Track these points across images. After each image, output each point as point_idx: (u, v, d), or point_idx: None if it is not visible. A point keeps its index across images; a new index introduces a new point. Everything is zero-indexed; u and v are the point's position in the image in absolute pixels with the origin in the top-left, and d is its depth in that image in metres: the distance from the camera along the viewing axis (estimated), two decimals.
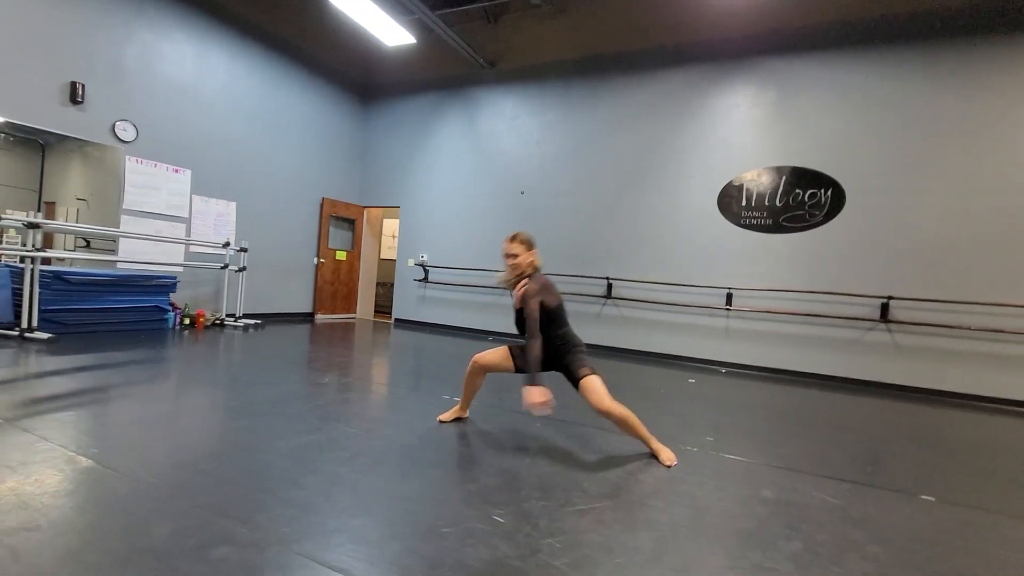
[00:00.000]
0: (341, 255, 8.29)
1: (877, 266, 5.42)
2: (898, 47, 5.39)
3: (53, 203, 5.41)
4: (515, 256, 2.57)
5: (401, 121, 8.38)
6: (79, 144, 5.17)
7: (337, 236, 8.33)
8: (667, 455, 2.42)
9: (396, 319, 8.30)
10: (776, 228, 5.87)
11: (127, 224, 5.41)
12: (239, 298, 6.34)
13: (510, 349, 2.69)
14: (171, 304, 5.50)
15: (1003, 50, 5.01)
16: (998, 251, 4.99)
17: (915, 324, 5.25)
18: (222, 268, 6.12)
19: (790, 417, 3.64)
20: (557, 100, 7.15)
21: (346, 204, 8.32)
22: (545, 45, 7.20)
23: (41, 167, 5.25)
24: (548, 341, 2.50)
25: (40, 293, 4.32)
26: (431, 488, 1.87)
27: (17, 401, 2.54)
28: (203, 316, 5.81)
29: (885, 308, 5.35)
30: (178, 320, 5.57)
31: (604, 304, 6.74)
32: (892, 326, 5.36)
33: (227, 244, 6.16)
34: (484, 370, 2.74)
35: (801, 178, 5.77)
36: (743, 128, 6.08)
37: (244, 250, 6.38)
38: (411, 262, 8.17)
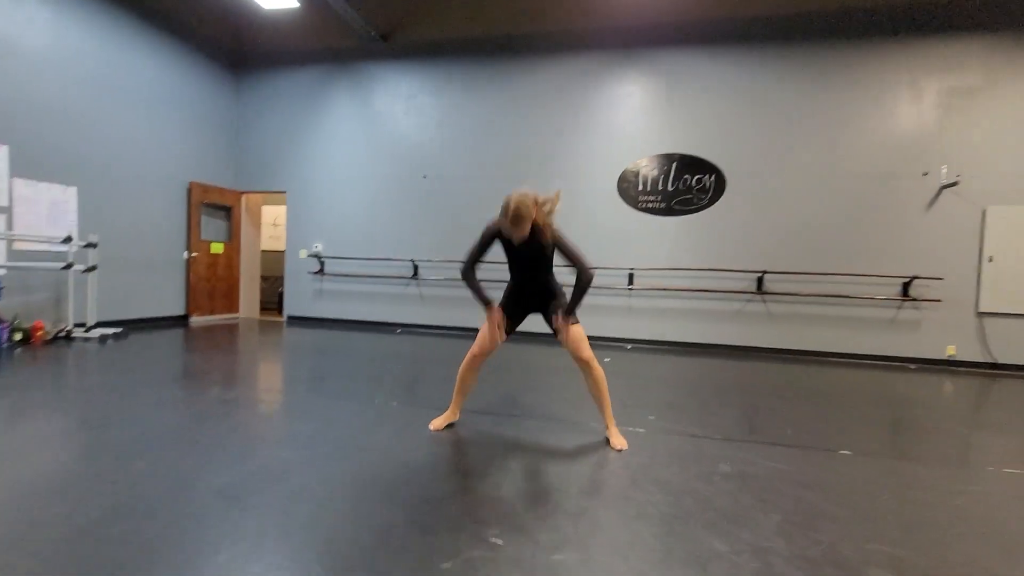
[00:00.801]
0: (217, 247, 7.29)
1: (753, 244, 6.09)
2: (771, 45, 6.01)
3: None
4: (528, 219, 2.39)
5: (281, 97, 7.52)
6: None
7: (211, 226, 7.30)
8: (618, 440, 2.49)
9: (289, 316, 7.55)
10: (669, 211, 6.31)
11: None
12: (90, 303, 5.27)
13: (492, 318, 2.52)
14: None
15: (853, 53, 5.83)
16: (844, 228, 5.87)
17: (783, 294, 6.01)
18: (64, 268, 5.02)
19: (703, 387, 3.96)
20: (459, 81, 6.91)
21: (220, 189, 7.31)
22: (443, 21, 6.88)
23: None
24: (542, 282, 2.53)
25: None
26: (406, 515, 1.69)
27: None
28: (41, 328, 4.74)
29: (760, 281, 6.05)
30: (6, 336, 4.47)
31: None
32: (766, 297, 6.08)
33: (69, 239, 5.06)
34: (482, 361, 2.57)
35: (689, 164, 6.24)
36: (637, 116, 6.40)
37: (92, 245, 5.30)
38: (304, 253, 7.46)
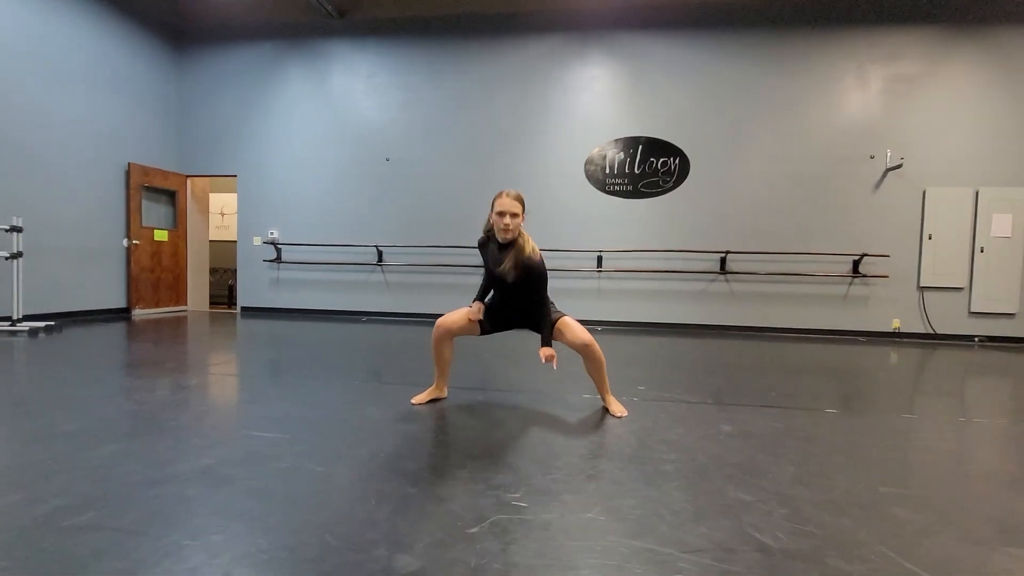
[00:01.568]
0: (161, 235, 6.78)
1: (716, 225, 6.25)
2: (730, 31, 6.16)
3: None
4: (516, 216, 2.30)
5: (230, 74, 7.06)
6: None
7: (153, 212, 6.77)
8: (618, 407, 2.46)
9: (243, 307, 7.13)
10: (636, 194, 6.38)
11: None
12: (16, 295, 4.75)
13: (471, 308, 2.49)
14: None
15: (805, 40, 6.06)
16: (799, 209, 6.13)
17: (745, 273, 6.22)
18: None
19: (681, 362, 4.02)
20: (421, 61, 6.70)
21: (163, 172, 6.78)
22: None
23: None
24: (523, 308, 2.47)
25: None
26: (418, 487, 1.58)
27: None
28: None
29: (723, 262, 6.23)
30: None
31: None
32: (729, 277, 6.27)
33: None
34: (451, 335, 2.46)
35: (654, 147, 6.33)
36: (603, 99, 6.42)
37: (17, 230, 4.78)
38: (258, 240, 7.05)
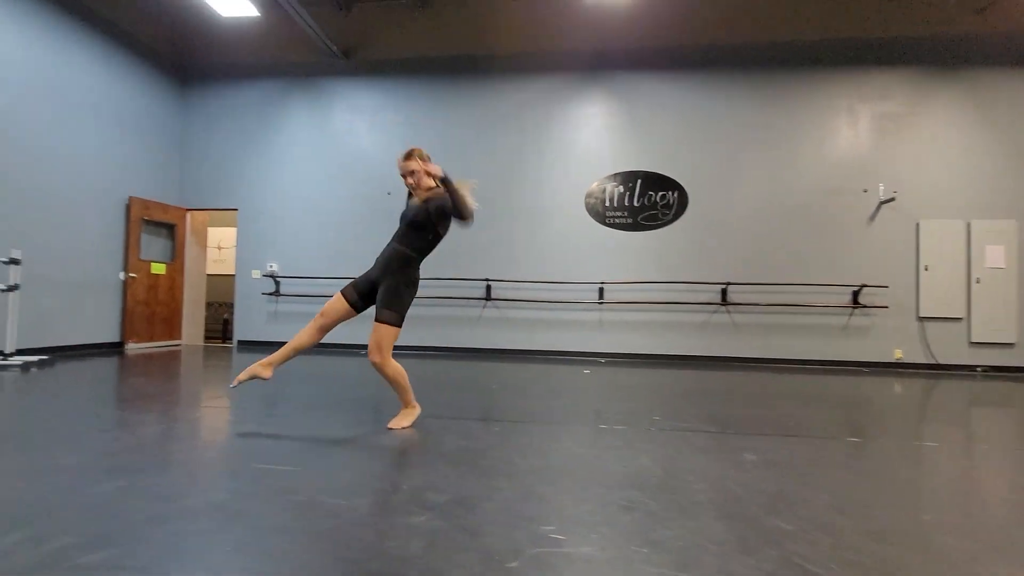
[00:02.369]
0: (158, 268, 6.72)
1: (716, 257, 6.32)
2: (725, 71, 6.40)
3: None
4: (413, 172, 2.52)
5: (232, 111, 7.18)
6: None
7: (152, 245, 6.73)
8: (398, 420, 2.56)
9: (240, 341, 7.01)
10: (636, 226, 6.46)
11: None
12: (10, 328, 4.64)
13: (341, 292, 2.58)
14: None
15: (799, 80, 6.30)
16: (798, 241, 6.22)
17: (746, 305, 6.24)
18: None
19: (688, 393, 3.97)
20: (424, 98, 6.87)
21: (163, 206, 6.79)
22: (406, 40, 6.87)
23: None
24: (391, 249, 2.53)
25: None
26: (446, 519, 1.51)
27: None
28: None
29: (724, 293, 6.26)
30: None
31: (484, 306, 6.63)
32: (731, 308, 6.29)
33: None
34: (325, 329, 2.55)
35: (653, 182, 6.45)
36: (601, 134, 6.58)
37: (15, 262, 4.71)
38: (257, 273, 7.01)
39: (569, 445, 2.36)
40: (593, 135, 6.58)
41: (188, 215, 7.18)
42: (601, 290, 6.42)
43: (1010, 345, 5.87)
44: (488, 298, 6.58)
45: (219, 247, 9.41)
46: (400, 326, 2.50)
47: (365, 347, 2.70)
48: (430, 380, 4.28)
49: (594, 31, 6.49)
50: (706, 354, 6.29)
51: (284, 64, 7.07)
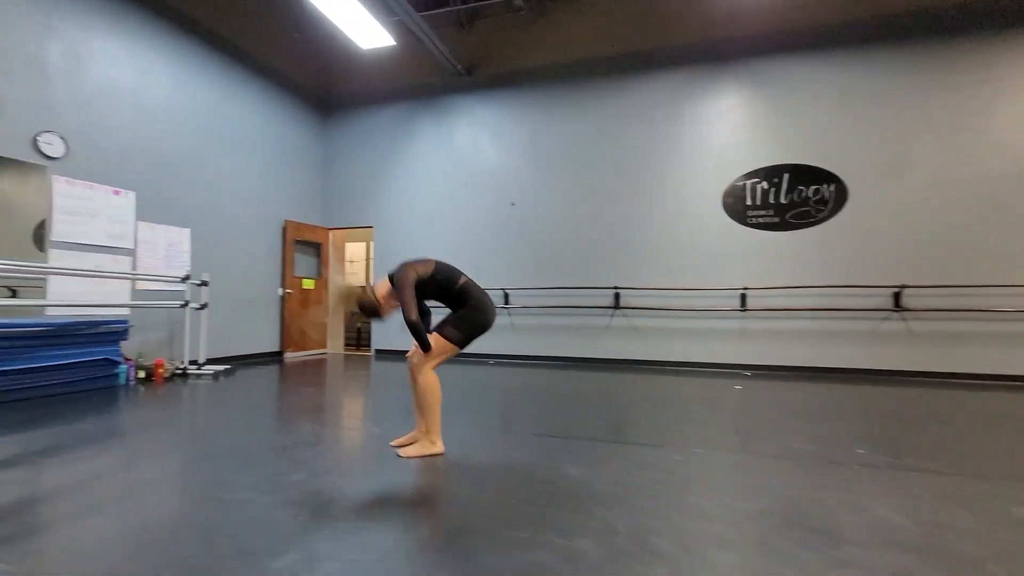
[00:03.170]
0: (308, 284, 7.38)
1: (887, 257, 5.51)
2: (887, 46, 5.59)
3: None
4: (380, 303, 2.47)
5: (366, 135, 7.69)
6: None
7: (302, 263, 7.42)
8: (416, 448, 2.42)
9: (377, 351, 7.47)
10: (783, 226, 5.85)
11: (57, 260, 4.34)
12: (202, 341, 5.32)
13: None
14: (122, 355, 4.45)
15: (978, 48, 5.33)
16: (987, 236, 5.22)
17: (926, 310, 5.36)
18: (182, 306, 5.11)
19: (883, 416, 3.43)
20: (543, 106, 6.83)
21: (311, 227, 7.45)
22: (525, 50, 6.89)
23: None
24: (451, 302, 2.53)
25: None
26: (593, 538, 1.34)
27: None
28: (162, 366, 4.78)
29: (897, 297, 5.44)
30: (132, 374, 4.51)
31: (612, 315, 6.40)
32: (906, 314, 5.44)
33: (187, 278, 5.16)
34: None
35: (803, 175, 5.80)
36: (739, 128, 6.06)
37: (205, 283, 5.40)
38: None
39: (773, 484, 2.09)
40: (729, 129, 6.09)
41: (330, 234, 7.81)
42: (743, 296, 5.90)
43: None
44: (616, 306, 6.34)
45: (350, 260, 10.18)
46: (461, 347, 2.49)
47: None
48: (570, 394, 4.17)
49: (724, 16, 6.02)
50: (873, 367, 5.51)
51: (411, 87, 7.44)
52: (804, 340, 5.73)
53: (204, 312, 5.31)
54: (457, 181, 7.20)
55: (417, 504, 1.82)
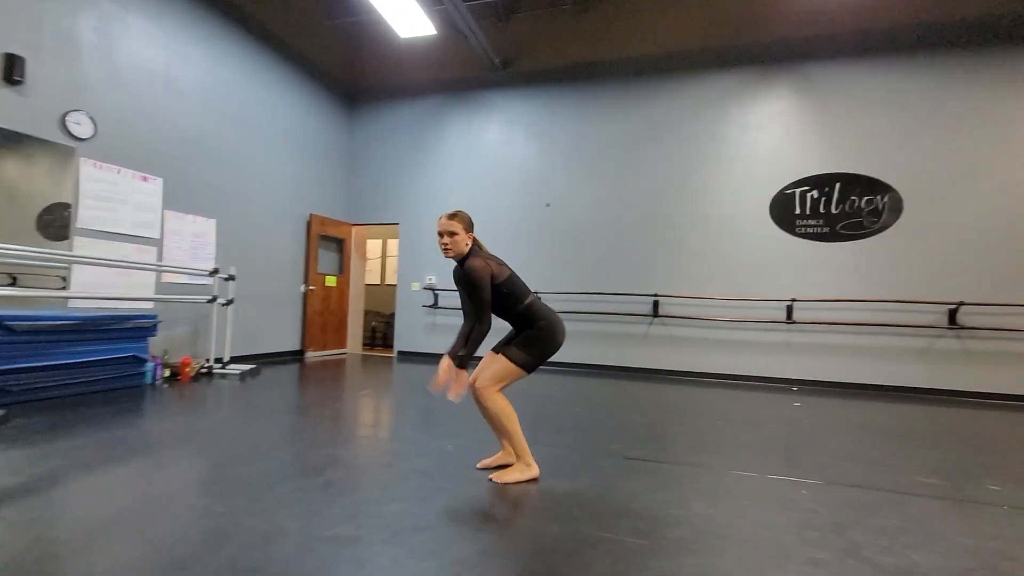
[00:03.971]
0: (331, 280, 7.10)
1: (943, 272, 5.32)
2: (946, 52, 5.40)
3: None
4: (453, 234, 2.18)
5: (393, 128, 7.43)
6: (13, 139, 3.76)
7: (325, 259, 7.14)
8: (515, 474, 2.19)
9: (400, 352, 7.20)
10: (834, 236, 5.65)
11: (82, 247, 4.05)
12: (227, 338, 5.03)
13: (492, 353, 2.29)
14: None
15: None
16: None
17: (984, 329, 5.17)
18: (209, 301, 4.83)
19: (982, 444, 3.21)
20: (583, 106, 6.60)
21: (335, 222, 7.18)
22: (566, 46, 6.65)
23: None
24: (512, 320, 2.23)
25: None
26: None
27: None
28: (189, 364, 4.49)
29: (953, 314, 5.24)
30: (159, 372, 4.22)
31: (651, 323, 6.17)
32: (961, 332, 5.25)
33: (215, 272, 4.88)
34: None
35: (856, 185, 5.60)
36: (789, 135, 5.86)
37: (231, 278, 5.11)
38: (417, 286, 7.16)
39: (945, 530, 1.85)
40: (779, 135, 5.88)
41: (353, 230, 7.53)
42: (790, 308, 5.69)
43: None
44: (655, 315, 6.11)
45: (371, 257, 9.89)
46: (529, 372, 2.19)
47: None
48: (630, 406, 3.92)
49: (777, 18, 5.82)
50: (927, 386, 5.31)
51: (441, 80, 7.19)
52: (854, 355, 5.53)
53: (231, 308, 5.02)
54: (488, 180, 6.95)
55: (552, 550, 1.57)
